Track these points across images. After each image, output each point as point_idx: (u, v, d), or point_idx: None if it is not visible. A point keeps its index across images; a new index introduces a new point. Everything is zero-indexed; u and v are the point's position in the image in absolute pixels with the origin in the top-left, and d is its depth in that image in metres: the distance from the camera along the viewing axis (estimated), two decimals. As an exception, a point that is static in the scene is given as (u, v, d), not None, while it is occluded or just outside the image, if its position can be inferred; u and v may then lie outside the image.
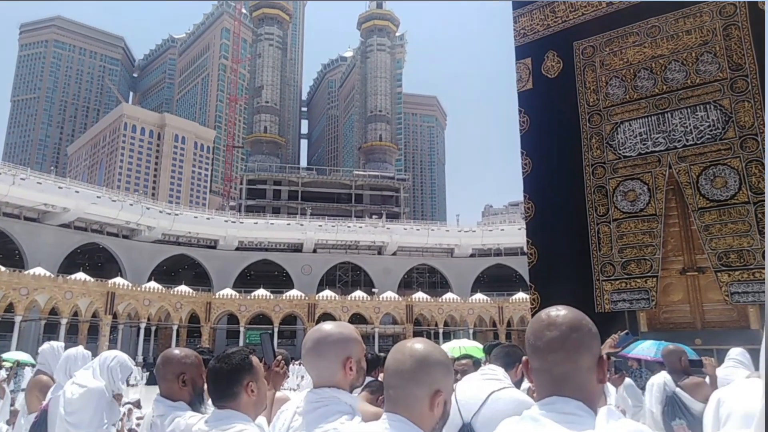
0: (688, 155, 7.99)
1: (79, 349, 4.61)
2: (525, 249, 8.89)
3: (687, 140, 8.04)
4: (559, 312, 1.28)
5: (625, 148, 9.05)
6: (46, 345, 4.67)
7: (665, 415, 4.42)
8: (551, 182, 9.65)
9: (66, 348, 4.68)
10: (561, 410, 1.19)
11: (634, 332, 7.38)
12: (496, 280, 66.06)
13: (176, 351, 2.41)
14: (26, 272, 41.15)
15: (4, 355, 17.36)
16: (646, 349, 6.87)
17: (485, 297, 55.45)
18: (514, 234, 63.14)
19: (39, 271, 41.48)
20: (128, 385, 18.60)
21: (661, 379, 4.60)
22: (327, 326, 1.69)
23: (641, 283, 8.27)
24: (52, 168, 70.55)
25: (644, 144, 8.68)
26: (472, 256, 67.59)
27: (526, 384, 3.02)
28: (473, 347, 18.31)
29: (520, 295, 52.50)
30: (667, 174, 8.12)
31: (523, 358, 1.34)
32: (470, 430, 2.20)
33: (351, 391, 1.62)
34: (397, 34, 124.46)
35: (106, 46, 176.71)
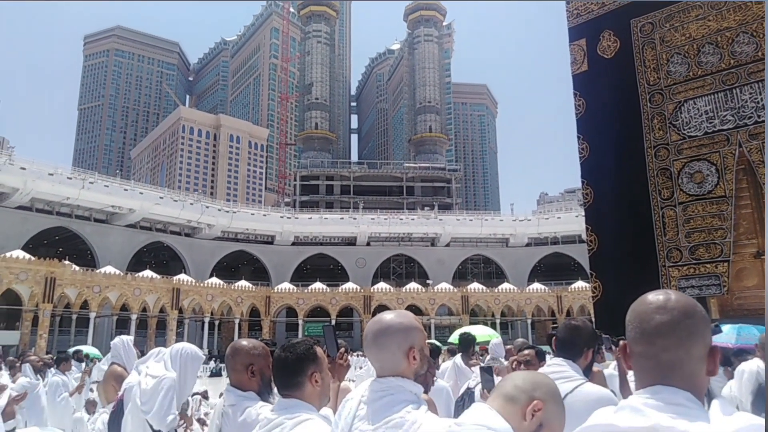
0: (760, 132, 7.52)
1: (123, 338, 4.88)
2: (584, 236, 8.59)
3: (758, 116, 7.56)
4: (669, 296, 1.20)
5: (689, 128, 8.60)
6: (117, 339, 4.92)
7: (754, 406, 4.00)
8: (610, 166, 9.30)
9: (135, 342, 4.93)
10: (667, 400, 1.10)
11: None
12: (553, 269, 64.64)
13: (244, 342, 2.46)
14: (98, 271, 43.44)
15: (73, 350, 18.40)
16: (725, 336, 6.49)
17: (543, 286, 54.39)
18: (571, 221, 61.59)
19: (109, 269, 43.70)
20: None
21: (753, 366, 4.15)
22: (387, 316, 1.68)
23: (711, 268, 7.86)
24: (118, 171, 74.13)
25: (711, 122, 8.23)
26: (528, 245, 66.36)
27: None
28: (486, 335, 18.25)
29: (580, 284, 51.13)
30: (737, 153, 7.68)
31: (621, 342, 1.26)
32: None
33: (415, 379, 1.61)
34: (444, 23, 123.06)
35: (163, 52, 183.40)
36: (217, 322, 51.95)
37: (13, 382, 6.46)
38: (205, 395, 11.41)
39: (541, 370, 2.58)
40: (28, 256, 37.63)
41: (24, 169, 46.32)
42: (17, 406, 4.73)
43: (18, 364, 7.70)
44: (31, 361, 6.89)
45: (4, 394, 4.40)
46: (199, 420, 8.94)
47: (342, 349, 2.32)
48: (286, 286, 54.07)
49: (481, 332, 18.77)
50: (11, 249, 38.92)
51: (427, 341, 2.03)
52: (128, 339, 4.90)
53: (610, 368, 4.87)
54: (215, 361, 37.24)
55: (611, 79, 9.33)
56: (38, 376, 6.64)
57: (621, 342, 1.28)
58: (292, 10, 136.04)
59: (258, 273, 63.35)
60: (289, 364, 1.91)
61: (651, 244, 8.59)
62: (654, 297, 1.22)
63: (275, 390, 2.08)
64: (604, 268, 8.87)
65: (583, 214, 9.10)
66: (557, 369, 2.41)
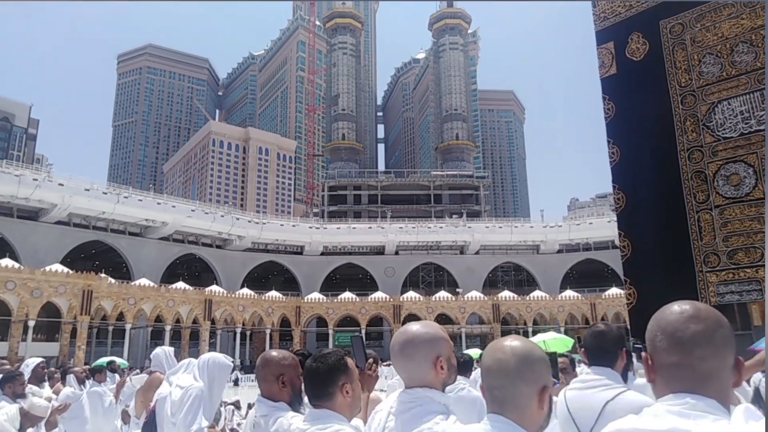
0: (800, 132, 7.27)
1: (165, 348, 4.98)
2: (617, 242, 8.42)
3: (797, 115, 7.32)
4: (697, 306, 1.20)
5: (724, 129, 8.39)
6: (158, 349, 5.03)
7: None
8: (642, 170, 9.11)
9: (174, 352, 5.04)
10: (692, 406, 1.10)
11: (745, 327, 6.81)
12: (586, 275, 63.51)
13: (274, 353, 2.48)
14: (133, 283, 44.42)
15: (101, 360, 18.77)
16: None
17: (576, 294, 53.43)
18: (603, 227, 60.51)
19: (144, 281, 44.63)
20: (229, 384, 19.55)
21: None
22: (413, 327, 1.68)
23: (752, 273, 7.61)
24: (151, 186, 75.93)
25: (746, 123, 8.01)
26: (559, 251, 65.39)
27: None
28: (558, 340, 17.40)
29: (614, 291, 50.08)
30: (776, 154, 7.44)
31: (643, 354, 1.24)
32: None
33: (443, 390, 1.60)
34: (470, 31, 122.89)
35: (193, 68, 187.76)
36: (248, 333, 52.49)
37: (54, 392, 6.63)
38: (237, 405, 11.51)
39: (576, 380, 2.53)
40: (66, 269, 38.73)
41: (62, 185, 47.82)
42: (59, 417, 4.87)
43: (56, 375, 7.91)
44: (74, 372, 7.08)
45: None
46: (232, 430, 9.01)
47: (371, 360, 2.32)
48: (316, 296, 54.38)
49: (552, 339, 17.27)
50: (50, 263, 40.13)
51: (462, 352, 2.02)
52: (170, 349, 5.00)
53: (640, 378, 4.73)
54: (239, 371, 37.86)
55: (641, 81, 9.18)
56: (81, 386, 6.82)
57: (643, 354, 1.25)
58: (317, 23, 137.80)
59: (288, 283, 63.89)
60: (320, 375, 1.93)
61: (687, 249, 8.39)
62: (681, 307, 1.21)
63: (306, 400, 2.09)
64: (639, 274, 8.68)
65: (616, 219, 8.92)
66: (595, 378, 2.36)
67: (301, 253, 64.74)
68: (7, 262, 36.22)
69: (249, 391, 27.91)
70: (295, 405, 2.33)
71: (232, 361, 4.09)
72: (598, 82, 9.43)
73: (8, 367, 7.51)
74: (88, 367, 8.89)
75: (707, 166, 8.36)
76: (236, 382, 34.33)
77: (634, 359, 5.84)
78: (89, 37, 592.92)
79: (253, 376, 39.17)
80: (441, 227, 66.31)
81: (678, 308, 1.21)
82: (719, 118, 8.31)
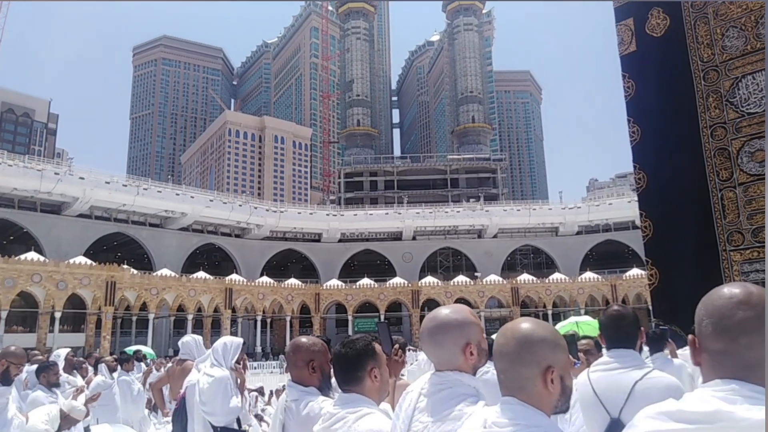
0: (827, 105, 7.07)
1: (194, 336, 5.06)
2: (638, 222, 8.31)
3: (824, 88, 7.11)
4: (749, 289, 1.13)
5: (748, 105, 8.19)
6: (188, 337, 5.15)
7: None
8: (664, 148, 8.94)
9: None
10: (736, 391, 1.08)
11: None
12: (606, 257, 62.97)
13: (304, 339, 2.53)
14: (155, 274, 45.13)
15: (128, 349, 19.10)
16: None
17: (596, 275, 53.04)
18: (623, 207, 59.78)
19: (165, 272, 45.31)
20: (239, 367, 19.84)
21: None
22: (442, 312, 1.68)
23: (777, 251, 7.45)
24: (169, 177, 76.61)
25: (772, 98, 7.80)
26: (578, 233, 64.84)
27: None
28: (593, 323, 17.23)
29: (635, 272, 49.58)
30: (802, 128, 7.25)
31: (690, 336, 1.21)
32: (620, 424, 2.10)
33: (474, 374, 1.61)
34: (484, 11, 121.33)
35: (207, 59, 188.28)
36: (269, 320, 53.10)
37: (86, 382, 6.80)
38: (261, 391, 11.68)
39: (599, 362, 2.52)
40: (89, 261, 39.47)
41: (83, 178, 48.54)
42: (91, 405, 5.00)
43: (85, 365, 8.10)
44: (106, 361, 7.27)
45: (81, 394, 4.68)
46: (256, 416, 9.16)
47: (397, 346, 2.34)
48: (335, 282, 54.74)
49: (585, 321, 17.07)
50: (74, 255, 40.91)
51: (487, 336, 2.02)
52: (199, 338, 5.12)
53: (676, 360, 4.72)
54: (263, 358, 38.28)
55: (662, 58, 8.98)
56: (111, 375, 7.00)
57: (690, 336, 1.21)
58: (330, 8, 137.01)
59: (307, 271, 64.37)
60: (349, 360, 1.96)
61: (710, 228, 8.23)
62: (731, 291, 1.15)
63: (335, 385, 2.12)
64: (661, 254, 8.55)
65: (636, 199, 8.79)
66: (620, 359, 2.36)
67: (318, 241, 65.08)
68: (32, 255, 37.01)
69: (270, 377, 28.33)
70: (324, 390, 2.38)
71: (244, 342, 4.25)
72: (617, 59, 9.25)
73: (41, 357, 7.70)
74: (115, 356, 9.10)
75: (731, 142, 8.18)
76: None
77: (669, 340, 5.79)
78: (105, 32, 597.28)
79: (274, 363, 39.84)
80: (458, 211, 66.09)
81: (727, 292, 1.15)
82: (743, 94, 8.11)
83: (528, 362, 1.31)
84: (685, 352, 6.14)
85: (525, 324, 1.38)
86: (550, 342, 1.33)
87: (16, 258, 35.44)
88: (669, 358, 4.83)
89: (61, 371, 5.42)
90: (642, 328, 2.59)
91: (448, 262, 67.32)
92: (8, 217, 46.19)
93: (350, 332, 49.14)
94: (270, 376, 31.11)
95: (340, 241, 65.40)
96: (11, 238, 49.87)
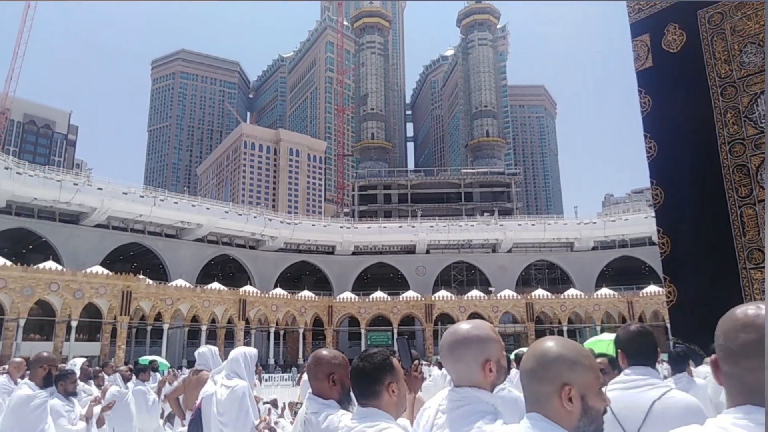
0: None
1: (210, 347, 5.11)
2: (655, 239, 8.23)
3: None
4: (759, 311, 1.10)
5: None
6: (205, 348, 5.19)
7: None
8: (681, 165, 8.88)
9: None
10: (758, 421, 1.05)
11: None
12: (622, 273, 62.22)
13: (325, 352, 2.55)
14: (170, 284, 45.41)
15: (142, 359, 19.21)
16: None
17: (612, 292, 52.39)
18: (640, 223, 59.16)
19: (180, 282, 45.58)
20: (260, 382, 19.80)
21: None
22: (463, 327, 1.68)
23: (798, 269, 7.33)
24: (185, 188, 77.43)
25: (791, 114, 7.72)
26: (594, 249, 64.22)
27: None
28: (602, 339, 16.93)
29: (652, 288, 48.89)
30: (823, 145, 7.16)
31: (712, 357, 1.20)
32: None
33: (492, 391, 1.61)
34: (499, 26, 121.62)
35: (224, 72, 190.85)
36: (282, 332, 53.06)
37: (102, 391, 6.86)
38: (274, 404, 11.66)
39: (617, 380, 2.50)
40: (106, 271, 39.86)
41: (101, 189, 49.23)
42: (106, 414, 5.04)
43: (101, 374, 8.17)
44: (120, 371, 7.32)
45: (98, 405, 4.73)
46: (270, 428, 9.14)
47: (416, 362, 2.34)
48: (348, 295, 54.64)
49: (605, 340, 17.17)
50: (91, 265, 41.36)
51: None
52: (215, 348, 5.15)
53: (699, 379, 4.65)
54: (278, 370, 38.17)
55: (678, 74, 8.93)
56: (126, 385, 7.05)
57: (712, 356, 1.20)
58: (345, 23, 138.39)
59: (320, 283, 64.39)
60: (366, 374, 1.96)
61: (729, 245, 8.13)
62: (742, 312, 1.12)
63: (354, 398, 2.13)
64: (679, 271, 8.45)
65: (653, 215, 8.70)
66: (637, 377, 2.34)
67: (332, 253, 65.14)
68: (50, 264, 37.48)
69: (283, 390, 28.24)
70: (344, 403, 2.39)
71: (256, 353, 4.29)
72: (633, 75, 9.22)
73: (60, 365, 7.78)
74: (130, 366, 9.17)
75: (750, 159, 8.09)
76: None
77: (690, 361, 5.69)
78: (124, 46, 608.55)
79: (287, 375, 39.73)
80: (472, 225, 65.84)
81: (738, 313, 1.13)
82: (762, 110, 8.04)
83: (543, 379, 1.32)
84: (700, 369, 6.03)
85: (547, 342, 1.39)
86: (567, 360, 1.32)
87: (35, 267, 35.91)
88: (692, 378, 4.74)
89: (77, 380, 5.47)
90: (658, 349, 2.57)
91: (461, 276, 66.96)
92: (28, 226, 46.91)
93: (363, 346, 48.96)
94: (280, 388, 31.00)
95: (353, 253, 65.40)
96: (30, 247, 50.59)
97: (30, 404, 4.12)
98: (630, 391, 2.32)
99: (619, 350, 2.61)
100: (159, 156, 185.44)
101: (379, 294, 53.67)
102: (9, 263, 35.08)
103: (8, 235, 46.48)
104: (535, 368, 1.34)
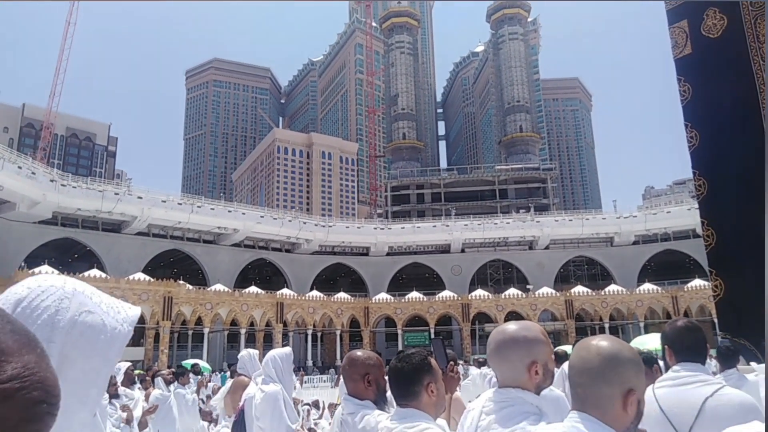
0: None
1: (249, 351, 5.16)
2: (699, 231, 7.94)
3: None
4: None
5: (817, 105, 7.72)
6: (244, 351, 5.27)
7: None
8: (725, 153, 8.55)
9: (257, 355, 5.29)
10: None
11: None
12: (666, 267, 60.51)
13: (359, 353, 2.56)
14: (209, 289, 46.38)
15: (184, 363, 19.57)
16: None
17: (655, 287, 50.96)
18: (683, 215, 57.40)
19: (219, 287, 46.50)
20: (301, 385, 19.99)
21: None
22: (510, 327, 1.65)
23: None
24: (221, 195, 78.88)
25: (842, 97, 7.34)
26: (635, 243, 62.64)
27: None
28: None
29: (698, 282, 47.32)
30: None
31: None
32: None
33: (538, 393, 1.57)
34: (529, 19, 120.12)
35: (256, 79, 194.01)
36: (319, 334, 53.50)
37: (145, 395, 7.04)
38: (316, 405, 11.74)
39: (665, 377, 2.40)
40: (148, 277, 40.98)
41: (140, 198, 50.63)
42: (149, 417, 5.15)
43: (148, 378, 8.38)
44: (162, 375, 7.50)
45: (139, 406, 4.83)
46: (309, 429, 9.20)
47: (452, 363, 2.31)
48: (384, 296, 54.73)
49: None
50: (133, 272, 42.56)
51: None
52: (254, 352, 5.22)
53: (751, 375, 4.44)
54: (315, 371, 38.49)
55: (719, 59, 8.59)
56: (168, 388, 7.22)
57: None
58: (374, 24, 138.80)
59: (356, 284, 64.68)
60: (405, 375, 1.95)
61: (779, 236, 7.67)
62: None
63: (390, 399, 2.11)
64: (725, 264, 8.12)
65: (697, 206, 8.41)
66: (688, 374, 2.25)
67: (367, 254, 65.37)
68: (94, 272, 38.78)
69: (321, 391, 28.44)
70: (380, 403, 2.39)
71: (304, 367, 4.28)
72: (671, 63, 8.93)
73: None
74: (172, 370, 9.38)
75: (798, 145, 7.75)
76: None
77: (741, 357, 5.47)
78: (160, 58, 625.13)
79: (325, 376, 40.03)
80: (508, 223, 65.08)
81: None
82: (811, 93, 7.68)
83: (611, 381, 1.28)
84: (744, 366, 5.79)
85: (610, 342, 1.34)
86: (636, 364, 1.31)
87: (80, 275, 37.14)
88: (743, 374, 4.54)
89: (119, 384, 5.61)
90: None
91: (498, 274, 66.28)
92: (73, 236, 48.61)
93: (400, 346, 48.95)
94: (319, 390, 31.17)
95: (388, 254, 65.47)
96: (75, 256, 52.39)
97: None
98: (680, 388, 2.23)
99: (666, 346, 2.53)
100: (195, 164, 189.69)
101: (414, 294, 53.57)
102: (56, 272, 36.37)
103: (55, 245, 48.26)
104: (604, 370, 1.29)
